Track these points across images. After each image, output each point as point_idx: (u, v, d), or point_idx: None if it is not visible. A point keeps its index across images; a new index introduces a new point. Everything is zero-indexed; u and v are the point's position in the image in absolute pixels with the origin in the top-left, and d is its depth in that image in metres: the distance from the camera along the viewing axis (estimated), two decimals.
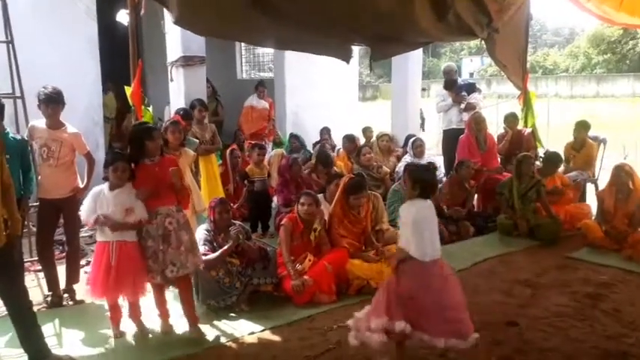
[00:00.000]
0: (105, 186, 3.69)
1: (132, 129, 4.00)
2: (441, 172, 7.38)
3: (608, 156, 9.15)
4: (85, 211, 3.66)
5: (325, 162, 6.60)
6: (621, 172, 5.64)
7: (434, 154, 9.67)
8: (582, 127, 7.25)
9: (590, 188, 7.23)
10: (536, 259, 5.37)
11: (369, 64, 5.26)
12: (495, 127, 10.97)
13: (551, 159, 6.61)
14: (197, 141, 5.67)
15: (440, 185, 6.74)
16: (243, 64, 12.81)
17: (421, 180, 3.28)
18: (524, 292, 4.53)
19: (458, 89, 7.86)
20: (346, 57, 5.09)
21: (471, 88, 8.03)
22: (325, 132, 8.93)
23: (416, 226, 3.16)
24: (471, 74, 41.27)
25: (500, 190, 6.31)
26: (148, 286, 3.75)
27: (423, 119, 11.82)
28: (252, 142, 7.69)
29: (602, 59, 37.91)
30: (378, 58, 5.20)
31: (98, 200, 3.64)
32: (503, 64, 6.20)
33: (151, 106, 5.35)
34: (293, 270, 4.33)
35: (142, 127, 3.86)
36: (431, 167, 5.19)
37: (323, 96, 10.16)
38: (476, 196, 6.93)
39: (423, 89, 18.35)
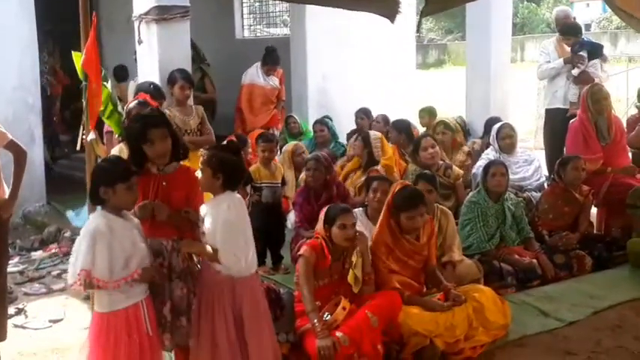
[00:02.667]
0: (108, 216, 3.60)
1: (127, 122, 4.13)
2: (540, 175, 7.29)
3: None
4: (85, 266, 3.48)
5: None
6: None
7: (530, 147, 9.61)
8: None
9: None
10: None
11: (418, 21, 5.34)
12: (625, 107, 10.86)
13: None
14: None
15: (536, 197, 6.72)
16: (244, 17, 12.93)
17: (222, 164, 3.73)
18: None
19: (577, 46, 7.89)
20: (392, 12, 5.16)
21: (595, 51, 8.04)
22: (363, 115, 8.92)
23: (227, 227, 3.69)
24: (587, 26, 40.75)
25: (634, 200, 6.30)
26: None
27: None
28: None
29: None
30: (430, 11, 5.26)
31: (106, 240, 3.53)
32: (629, 13, 6.11)
33: (110, 81, 5.44)
34: (319, 323, 4.32)
35: (139, 120, 4.00)
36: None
37: (361, 63, 10.18)
38: (595, 210, 6.86)
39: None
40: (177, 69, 6.73)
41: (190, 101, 6.46)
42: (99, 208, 3.64)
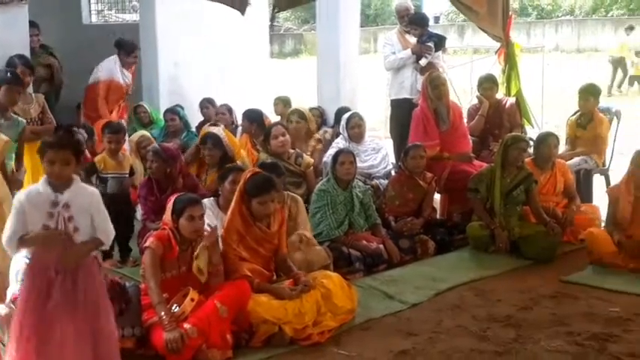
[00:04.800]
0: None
1: None
2: (388, 163, 7.52)
3: (628, 135, 9.68)
4: None
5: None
6: None
7: (380, 136, 9.88)
8: (589, 94, 7.61)
9: (599, 181, 7.64)
10: (523, 287, 5.58)
11: (272, 13, 5.39)
12: (470, 96, 11.36)
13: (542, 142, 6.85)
14: (24, 121, 5.60)
15: (384, 185, 6.94)
16: (92, 2, 12.50)
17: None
18: (505, 334, 4.69)
19: (426, 37, 8.10)
20: (242, 5, 5.20)
21: (440, 42, 8.27)
22: (208, 104, 8.85)
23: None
24: (437, 18, 42.22)
25: (475, 185, 6.57)
26: None
27: None
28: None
29: None
30: (282, 6, 5.32)
31: None
32: (468, 6, 6.43)
33: None
34: (167, 315, 4.29)
35: None
36: None
37: (215, 50, 10.10)
38: (438, 197, 7.15)
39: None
40: (17, 54, 6.47)
41: (30, 89, 6.22)
42: None
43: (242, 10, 5.29)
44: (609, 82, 19.37)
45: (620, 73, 19.68)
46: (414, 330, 4.81)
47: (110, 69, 8.74)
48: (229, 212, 4.94)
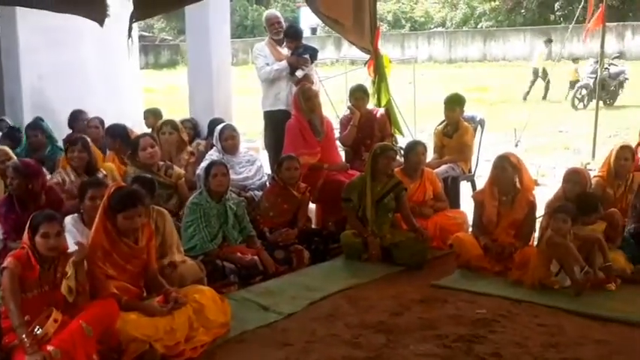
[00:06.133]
0: None
1: None
2: (263, 175, 7.52)
3: (495, 143, 10.12)
4: None
5: None
6: (506, 165, 6.22)
7: (258, 147, 9.88)
8: (455, 104, 7.90)
9: (465, 188, 7.93)
10: (394, 293, 5.71)
11: (129, 27, 5.34)
12: (345, 107, 11.55)
13: (410, 150, 7.06)
14: None
15: (259, 196, 6.95)
16: None
17: None
18: (376, 341, 4.79)
19: (302, 49, 8.16)
20: (101, 16, 5.11)
21: (314, 54, 8.36)
22: (80, 117, 8.58)
23: None
24: (314, 30, 42.86)
25: (347, 194, 6.67)
26: None
27: None
28: None
29: (490, 8, 41.58)
30: (139, 16, 5.29)
31: None
32: (333, 19, 6.52)
33: None
34: (28, 338, 4.13)
35: None
36: None
37: (82, 62, 9.85)
38: (313, 206, 7.22)
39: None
40: None
41: None
42: None
43: (100, 22, 5.21)
44: (527, 89, 20.98)
45: (540, 82, 21.01)
46: (289, 340, 4.84)
47: None
48: (93, 229, 4.81)
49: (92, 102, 9.21)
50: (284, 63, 8.13)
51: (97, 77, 10.02)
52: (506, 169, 6.19)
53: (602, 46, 12.23)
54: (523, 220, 6.19)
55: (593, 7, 12.43)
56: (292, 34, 8.27)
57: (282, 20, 8.50)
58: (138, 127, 9.04)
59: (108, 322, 4.42)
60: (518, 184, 6.24)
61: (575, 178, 6.17)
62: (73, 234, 4.98)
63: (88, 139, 6.75)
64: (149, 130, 8.51)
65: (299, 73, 8.05)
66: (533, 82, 21.16)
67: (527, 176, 6.40)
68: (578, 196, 5.96)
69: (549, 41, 23.16)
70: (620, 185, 6.39)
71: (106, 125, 8.00)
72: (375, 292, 5.74)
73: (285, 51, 8.24)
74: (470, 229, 6.64)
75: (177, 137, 7.72)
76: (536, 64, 21.41)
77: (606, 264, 5.58)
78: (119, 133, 7.65)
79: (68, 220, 5.08)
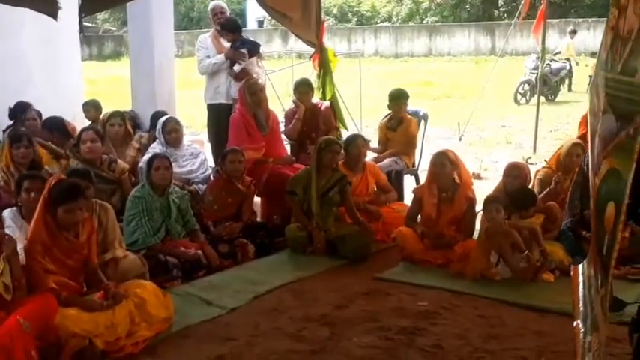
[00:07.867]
0: None
1: None
2: (207, 168, 7.48)
3: (439, 137, 10.24)
4: None
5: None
6: (445, 162, 6.31)
7: (202, 140, 9.82)
8: (399, 98, 7.98)
9: (409, 182, 8.02)
10: (338, 285, 5.76)
11: (79, 21, 5.25)
12: (290, 100, 11.58)
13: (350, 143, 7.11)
14: None
15: (203, 190, 6.92)
16: None
17: None
18: (320, 333, 4.83)
19: (239, 43, 8.13)
20: (53, 9, 5.03)
21: (254, 48, 8.33)
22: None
23: None
24: (260, 22, 42.72)
25: (292, 188, 6.69)
26: None
27: None
28: None
29: (435, 3, 41.98)
30: (88, 10, 5.22)
31: None
32: (281, 13, 6.54)
33: None
34: None
35: None
36: None
37: (21, 54, 9.63)
38: (259, 200, 7.22)
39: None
40: None
41: None
42: None
43: (54, 15, 5.12)
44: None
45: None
46: (232, 334, 4.83)
47: None
48: (33, 223, 4.72)
49: (32, 93, 9.00)
50: (222, 56, 8.12)
51: (38, 68, 9.81)
52: (446, 165, 6.28)
53: (543, 42, 12.41)
54: (463, 216, 6.30)
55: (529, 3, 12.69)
56: (229, 27, 8.20)
57: (226, 11, 8.47)
58: (79, 119, 8.90)
59: (46, 318, 4.35)
60: (457, 180, 6.34)
61: (515, 172, 6.32)
62: (12, 229, 4.90)
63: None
64: (89, 123, 8.39)
65: (236, 68, 8.05)
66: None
67: (466, 172, 6.54)
68: (517, 191, 6.11)
69: (574, 32, 22.73)
70: (567, 179, 6.53)
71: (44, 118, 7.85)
72: (320, 285, 5.78)
73: (227, 44, 8.20)
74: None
75: (125, 130, 7.66)
76: (566, 54, 21.22)
77: (540, 248, 5.73)
78: (56, 125, 7.53)
79: (6, 214, 5.01)
